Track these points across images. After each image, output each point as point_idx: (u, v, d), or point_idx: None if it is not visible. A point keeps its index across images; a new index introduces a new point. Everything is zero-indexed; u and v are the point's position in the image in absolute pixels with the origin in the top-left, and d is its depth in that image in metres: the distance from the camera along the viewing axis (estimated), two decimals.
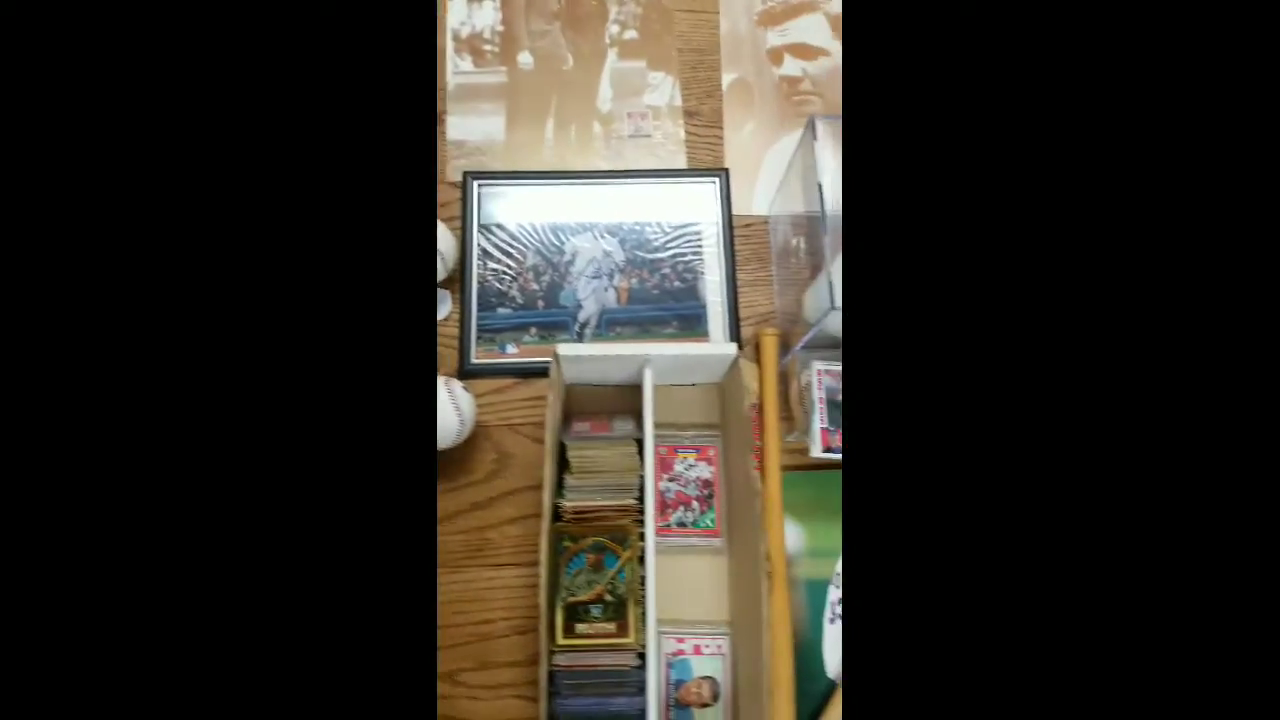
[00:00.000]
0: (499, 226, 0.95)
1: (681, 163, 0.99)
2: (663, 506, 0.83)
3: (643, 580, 0.71)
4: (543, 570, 0.70)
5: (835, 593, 0.81)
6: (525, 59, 1.03)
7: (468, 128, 0.99)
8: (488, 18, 1.04)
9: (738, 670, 0.77)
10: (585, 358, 0.78)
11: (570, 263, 0.94)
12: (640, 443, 0.77)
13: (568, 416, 0.86)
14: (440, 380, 0.78)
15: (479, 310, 0.91)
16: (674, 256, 0.95)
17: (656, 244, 0.95)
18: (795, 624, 0.79)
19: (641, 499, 0.75)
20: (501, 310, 0.91)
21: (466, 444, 0.83)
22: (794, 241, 0.87)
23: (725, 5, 1.06)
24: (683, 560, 0.82)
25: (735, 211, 0.97)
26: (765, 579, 0.72)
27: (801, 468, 0.84)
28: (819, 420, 0.79)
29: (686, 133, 1.01)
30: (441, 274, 0.87)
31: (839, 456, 0.79)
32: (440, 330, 0.91)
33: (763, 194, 0.98)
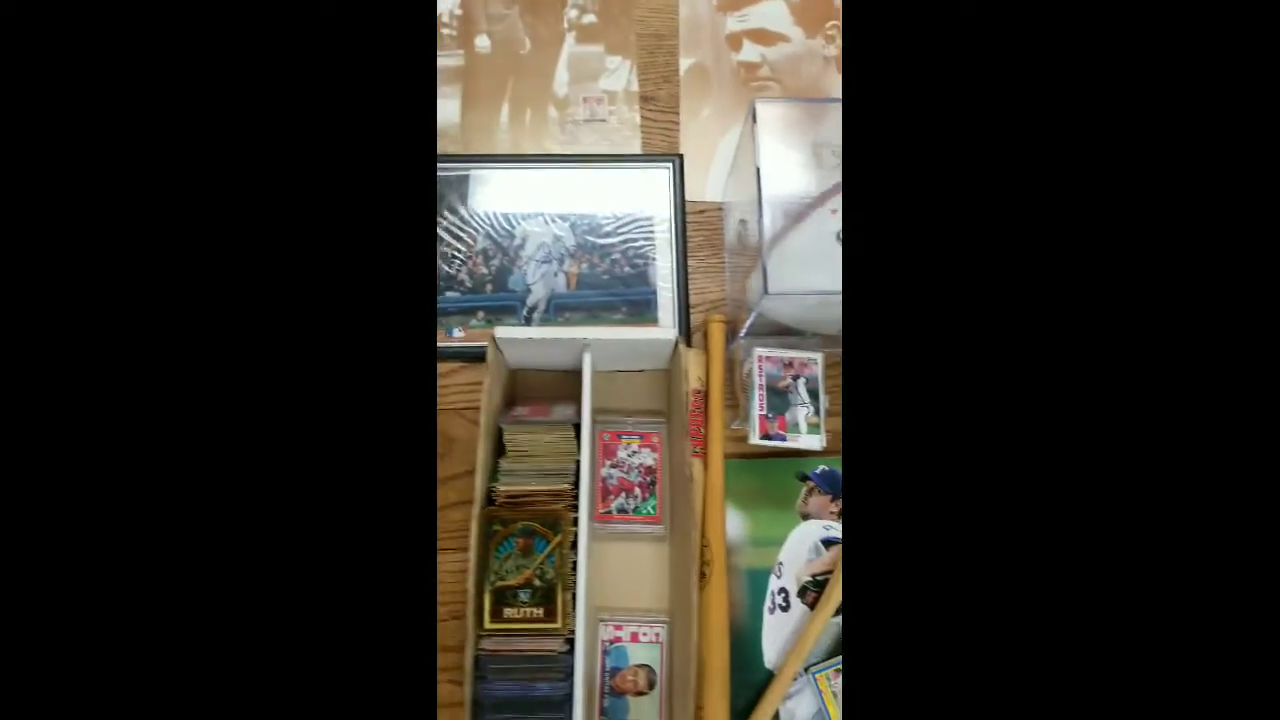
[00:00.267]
0: (450, 210, 0.94)
1: (636, 148, 0.98)
2: (604, 493, 0.82)
3: (574, 566, 0.70)
4: (472, 555, 0.69)
5: (776, 582, 0.80)
6: (483, 42, 1.02)
7: None
8: (447, 1, 1.03)
9: (674, 659, 0.76)
10: (524, 341, 0.77)
11: (520, 247, 0.93)
12: (579, 428, 0.76)
13: (511, 401, 0.85)
14: None
15: None
16: (625, 242, 0.94)
17: (608, 229, 0.94)
18: (734, 613, 0.79)
19: (577, 484, 0.74)
20: (450, 294, 0.91)
21: None
22: (739, 227, 0.86)
23: None
24: (623, 547, 0.82)
25: (689, 197, 0.96)
26: (695, 567, 0.71)
27: (746, 456, 0.83)
28: (758, 407, 0.78)
29: (642, 118, 1.00)
30: None
31: (778, 444, 0.78)
32: None
33: (717, 180, 0.97)
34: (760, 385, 0.78)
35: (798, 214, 0.75)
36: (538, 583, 0.69)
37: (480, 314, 0.90)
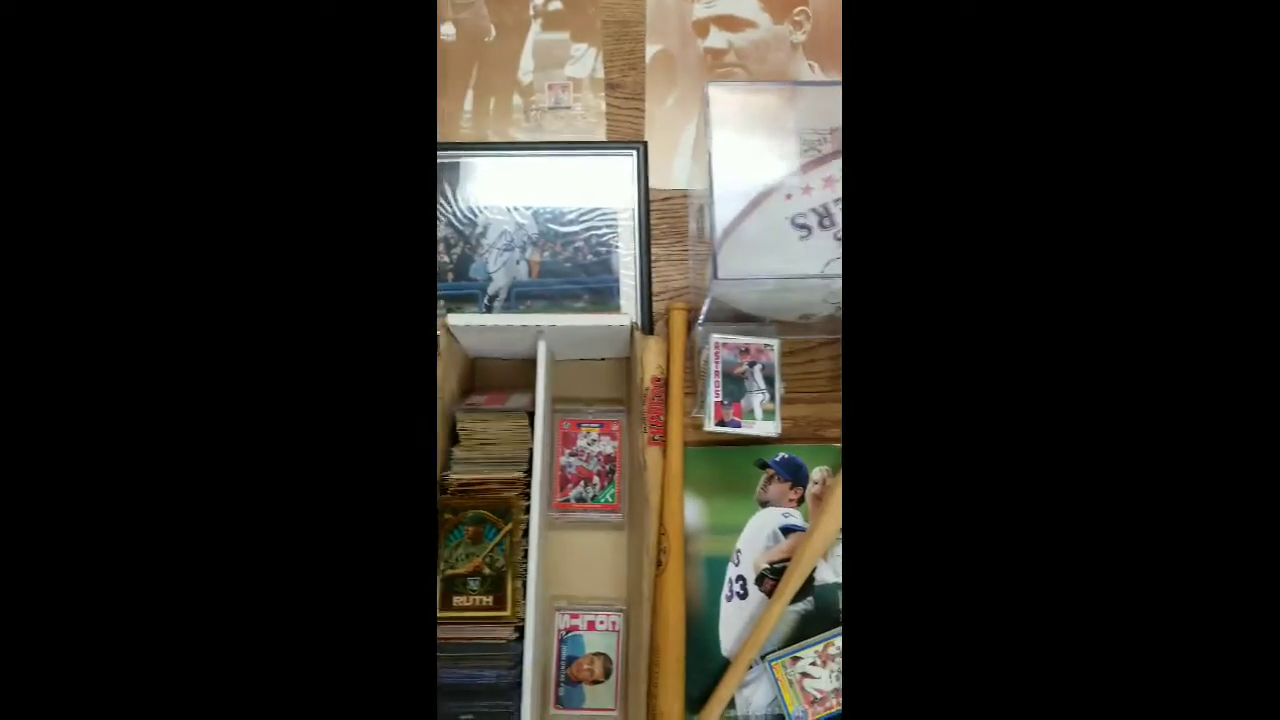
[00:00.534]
0: None
1: (602, 136, 0.98)
2: (563, 482, 0.82)
3: (525, 554, 0.70)
4: None
5: (734, 570, 0.80)
6: (447, 30, 1.01)
7: None
8: None
9: (630, 647, 0.76)
10: (478, 329, 0.77)
11: (482, 235, 0.92)
12: (532, 416, 0.76)
13: (470, 390, 0.84)
14: None
15: None
16: (588, 230, 0.93)
17: (571, 217, 0.93)
18: (691, 601, 0.78)
19: (530, 472, 0.73)
20: None
21: None
22: (699, 214, 0.85)
23: None
24: (581, 536, 0.81)
25: (654, 185, 0.95)
26: (647, 555, 0.71)
27: (706, 443, 0.83)
28: (713, 394, 0.77)
29: (607, 105, 0.99)
30: None
31: (733, 430, 0.77)
32: None
33: (682, 167, 0.96)
34: (716, 372, 0.78)
35: (753, 200, 0.75)
36: (487, 571, 0.69)
37: (440, 303, 0.90)
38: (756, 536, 0.81)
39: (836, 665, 0.74)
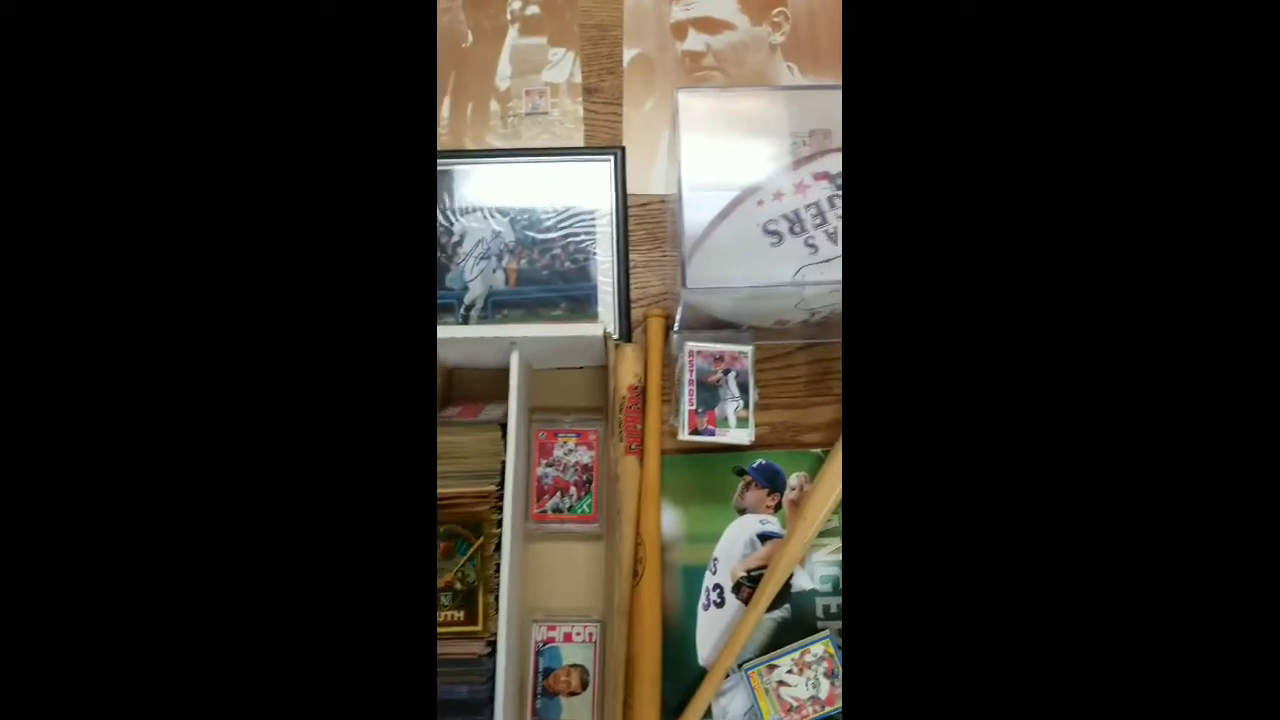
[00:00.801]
0: None
1: (579, 141, 0.97)
2: (540, 493, 0.81)
3: (497, 568, 0.70)
4: None
5: (711, 578, 0.79)
6: None
7: None
8: None
9: (606, 659, 0.76)
10: (451, 340, 0.77)
11: (458, 243, 0.92)
12: (505, 427, 0.76)
13: (447, 401, 0.84)
14: None
15: None
16: (565, 237, 0.93)
17: (548, 224, 0.93)
18: (668, 611, 0.78)
19: (503, 485, 0.73)
20: None
21: None
22: (674, 219, 0.85)
23: None
24: (558, 547, 0.81)
25: (633, 190, 0.94)
26: (619, 566, 0.71)
27: (683, 451, 0.83)
28: (687, 402, 0.77)
29: (585, 110, 0.99)
30: None
31: (708, 439, 0.77)
32: None
33: (660, 172, 0.95)
34: (690, 380, 0.77)
35: (723, 209, 0.74)
36: (459, 586, 0.69)
37: None
38: (734, 544, 0.80)
39: (813, 673, 0.73)
